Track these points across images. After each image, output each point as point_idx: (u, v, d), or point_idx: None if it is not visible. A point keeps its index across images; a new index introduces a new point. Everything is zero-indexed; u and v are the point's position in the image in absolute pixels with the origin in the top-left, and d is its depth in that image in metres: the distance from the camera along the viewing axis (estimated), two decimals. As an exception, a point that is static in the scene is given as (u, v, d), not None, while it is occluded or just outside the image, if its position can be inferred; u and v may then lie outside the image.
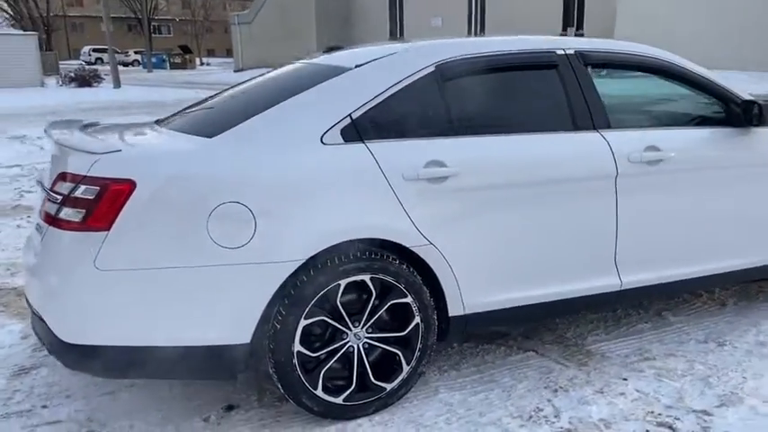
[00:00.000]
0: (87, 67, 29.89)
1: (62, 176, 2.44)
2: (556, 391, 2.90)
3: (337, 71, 2.86)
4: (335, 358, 2.64)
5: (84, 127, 2.99)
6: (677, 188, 3.18)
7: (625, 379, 2.99)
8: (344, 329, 2.64)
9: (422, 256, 2.68)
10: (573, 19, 21.92)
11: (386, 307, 2.69)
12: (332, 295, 2.57)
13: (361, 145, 2.63)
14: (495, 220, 2.82)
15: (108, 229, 2.31)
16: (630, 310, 3.73)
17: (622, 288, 3.14)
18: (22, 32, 24.55)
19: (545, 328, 3.51)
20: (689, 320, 3.60)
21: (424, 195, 2.67)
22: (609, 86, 3.24)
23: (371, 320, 2.68)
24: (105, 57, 52.42)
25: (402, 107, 2.76)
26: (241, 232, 2.40)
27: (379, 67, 2.83)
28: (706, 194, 3.26)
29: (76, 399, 2.88)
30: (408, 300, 2.70)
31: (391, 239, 2.63)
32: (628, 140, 3.06)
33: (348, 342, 2.66)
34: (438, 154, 2.70)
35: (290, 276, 2.47)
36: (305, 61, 3.40)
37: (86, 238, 2.33)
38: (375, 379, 2.70)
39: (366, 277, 2.61)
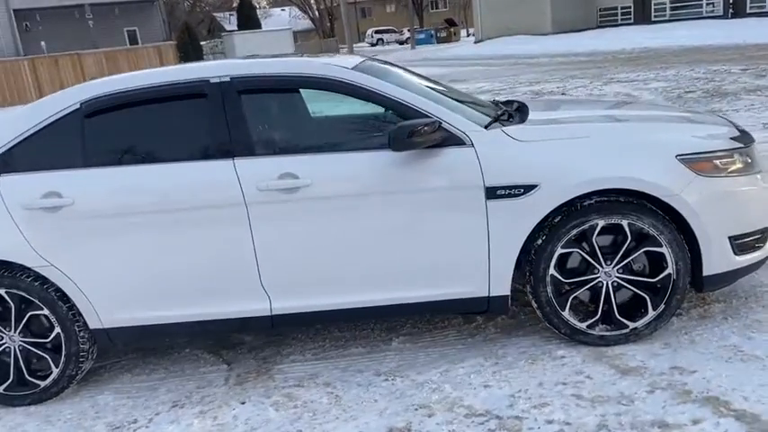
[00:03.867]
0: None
1: None
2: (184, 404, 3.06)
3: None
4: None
5: None
6: (321, 215, 2.98)
7: (243, 403, 3.00)
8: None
9: (44, 274, 3.08)
10: None
11: (25, 318, 3.15)
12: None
13: (8, 176, 3.10)
14: (124, 244, 3.06)
15: None
16: (381, 331, 3.53)
17: (274, 312, 3.10)
18: (278, 29, 28.09)
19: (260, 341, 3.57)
20: (412, 349, 3.30)
21: (43, 222, 3.05)
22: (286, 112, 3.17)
23: (20, 327, 3.17)
24: (386, 37, 56.73)
25: (43, 143, 3.15)
26: None
27: (30, 108, 3.24)
28: (355, 222, 2.98)
29: None
30: (46, 312, 3.13)
31: (12, 260, 3.08)
32: (260, 169, 2.98)
33: (5, 343, 3.20)
34: (56, 185, 3.05)
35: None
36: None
37: None
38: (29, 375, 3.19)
39: (2, 291, 3.11)
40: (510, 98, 4.33)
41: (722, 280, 3.10)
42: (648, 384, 2.74)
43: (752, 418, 2.45)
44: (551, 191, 2.92)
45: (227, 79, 3.10)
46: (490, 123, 3.14)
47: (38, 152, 3.14)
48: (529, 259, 3.02)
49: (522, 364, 3.02)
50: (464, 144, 2.97)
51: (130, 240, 3.06)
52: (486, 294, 3.06)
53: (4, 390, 3.22)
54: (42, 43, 25.10)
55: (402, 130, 2.83)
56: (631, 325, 3.04)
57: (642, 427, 2.47)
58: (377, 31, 56.56)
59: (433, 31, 49.57)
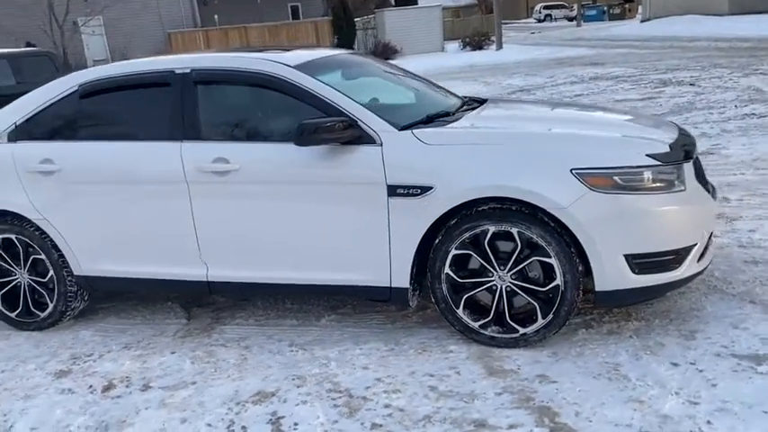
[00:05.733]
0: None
1: None
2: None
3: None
4: None
5: None
6: (246, 197, 3.35)
7: (173, 353, 3.48)
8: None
9: (41, 226, 3.77)
10: None
11: (30, 260, 3.88)
12: None
13: (17, 144, 3.83)
14: (96, 207, 3.66)
15: None
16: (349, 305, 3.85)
17: (210, 279, 3.55)
18: (428, 6, 28.24)
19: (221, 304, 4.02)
20: (334, 327, 3.60)
21: (40, 184, 3.73)
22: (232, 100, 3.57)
23: (27, 267, 3.91)
24: (554, 13, 54.56)
25: (48, 117, 3.81)
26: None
27: (45, 87, 3.90)
28: (274, 206, 3.32)
29: None
30: (43, 257, 3.83)
31: (20, 213, 3.79)
32: (200, 152, 3.41)
33: (17, 278, 3.96)
34: (50, 154, 3.70)
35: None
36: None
37: None
38: (33, 307, 3.93)
39: (12, 236, 3.85)
40: (480, 97, 4.37)
41: (621, 297, 3.04)
42: (503, 387, 2.83)
43: (565, 430, 2.49)
44: (445, 194, 3.05)
45: (188, 71, 3.55)
46: (415, 124, 3.30)
47: (43, 124, 3.82)
48: (428, 257, 3.19)
49: (411, 354, 3.21)
50: (375, 143, 3.18)
51: (100, 204, 3.65)
52: (388, 285, 3.26)
53: (15, 316, 3.99)
54: (216, 16, 27.48)
55: (306, 126, 3.10)
56: (521, 330, 3.11)
57: (461, 423, 2.61)
58: (545, 7, 54.62)
59: (605, 8, 46.99)
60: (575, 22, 45.99)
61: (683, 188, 3.03)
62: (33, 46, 24.70)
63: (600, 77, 14.00)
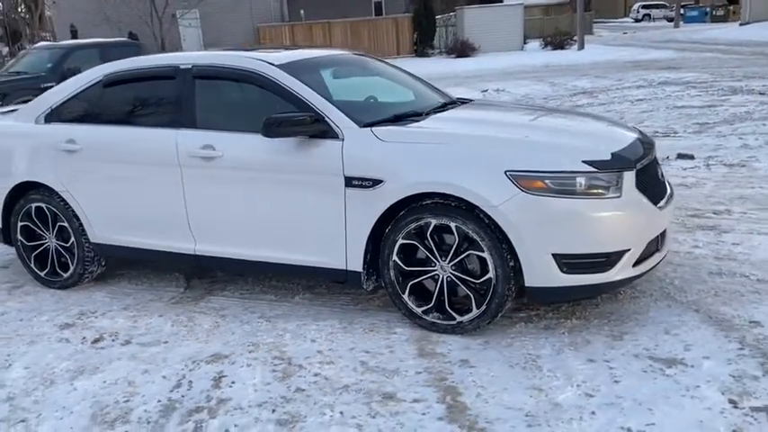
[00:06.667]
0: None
1: None
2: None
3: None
4: None
5: None
6: (227, 181, 3.74)
7: (161, 316, 3.92)
8: None
9: (64, 197, 4.31)
10: None
11: (56, 227, 4.44)
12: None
13: (49, 125, 4.40)
14: (107, 183, 4.16)
15: None
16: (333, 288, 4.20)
17: (197, 253, 3.97)
18: (510, 4, 27.96)
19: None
20: (305, 304, 3.93)
21: (64, 160, 4.27)
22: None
23: (54, 232, 4.48)
24: (654, 13, 52.51)
25: (77, 102, 4.35)
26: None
27: (79, 76, 4.44)
28: (249, 191, 3.69)
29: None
30: (66, 224, 4.39)
31: (49, 185, 4.35)
32: (192, 139, 3.83)
33: (47, 242, 4.54)
34: (73, 135, 4.24)
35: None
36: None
37: None
38: (59, 268, 4.51)
39: (43, 205, 4.43)
40: (467, 97, 4.60)
41: (551, 294, 3.22)
42: (425, 368, 3.09)
43: (461, 408, 2.72)
44: (393, 187, 3.32)
45: (189, 66, 3.98)
46: (378, 122, 3.58)
47: (72, 109, 4.36)
48: (380, 245, 3.47)
49: (359, 332, 3.51)
50: (338, 138, 3.49)
51: (110, 181, 4.14)
52: (345, 268, 3.57)
53: (44, 274, 4.57)
54: (302, 11, 28.35)
55: (271, 120, 3.44)
56: (458, 318, 3.34)
57: (372, 394, 2.89)
58: (644, 6, 52.67)
59: (708, 9, 44.84)
60: (671, 23, 44.20)
61: (618, 195, 3.16)
62: (135, 37, 26.46)
63: (669, 82, 13.64)
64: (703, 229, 4.68)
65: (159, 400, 2.97)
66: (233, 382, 3.08)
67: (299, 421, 2.73)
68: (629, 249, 3.19)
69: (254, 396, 2.94)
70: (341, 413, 2.76)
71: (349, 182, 3.43)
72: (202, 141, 3.79)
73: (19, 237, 4.55)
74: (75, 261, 4.43)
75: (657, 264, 3.46)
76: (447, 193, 3.22)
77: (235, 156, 3.72)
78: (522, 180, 3.11)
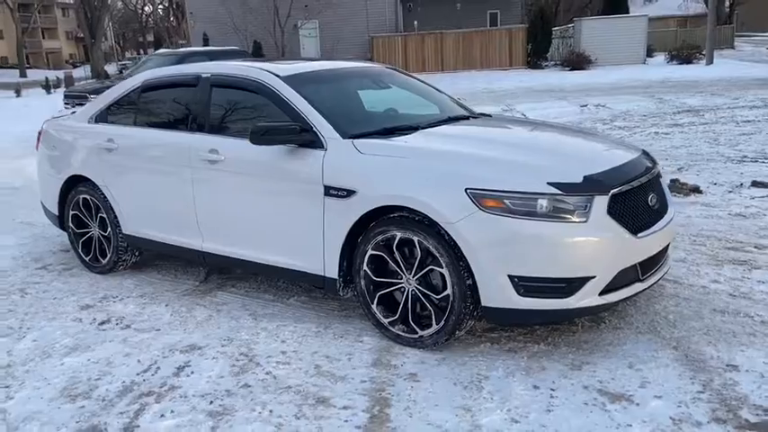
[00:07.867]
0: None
1: None
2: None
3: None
4: None
5: None
6: (227, 184, 3.96)
7: (167, 305, 4.22)
8: None
9: (103, 191, 4.75)
10: None
11: (98, 218, 4.90)
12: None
13: (97, 125, 4.86)
14: (135, 180, 4.54)
15: None
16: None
17: (204, 250, 4.24)
18: (633, 15, 26.64)
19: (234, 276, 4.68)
20: (295, 306, 4.07)
21: (104, 157, 4.70)
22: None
23: (96, 223, 4.94)
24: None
25: (119, 106, 4.78)
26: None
27: (123, 82, 4.86)
28: (245, 194, 3.88)
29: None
30: (104, 215, 4.83)
31: (91, 179, 4.81)
32: (202, 143, 4.10)
33: (91, 231, 5.01)
34: (113, 134, 4.66)
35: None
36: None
37: None
38: (99, 254, 4.97)
39: (88, 197, 4.90)
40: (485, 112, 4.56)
41: (506, 316, 3.15)
42: (371, 377, 3.13)
43: (383, 419, 2.75)
44: (363, 198, 3.40)
45: (209, 75, 4.26)
46: (364, 134, 3.66)
47: (115, 111, 4.79)
48: (353, 254, 3.55)
49: (329, 337, 3.60)
50: (322, 148, 3.61)
51: (138, 178, 4.51)
52: (323, 274, 3.68)
53: (88, 260, 5.04)
54: (415, 22, 28.74)
55: (257, 128, 3.61)
56: (419, 333, 3.35)
57: (308, 397, 2.98)
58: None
59: None
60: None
61: (584, 220, 3.05)
62: (259, 46, 27.93)
63: (744, 103, 12.56)
64: (734, 263, 4.34)
65: (123, 382, 3.23)
66: (192, 372, 3.28)
67: (228, 414, 2.87)
68: (593, 277, 3.06)
69: (202, 386, 3.12)
70: (270, 411, 2.88)
71: (327, 191, 3.54)
72: (210, 145, 4.05)
73: (70, 224, 5.05)
74: (111, 249, 4.85)
75: (636, 294, 3.29)
76: (409, 206, 3.25)
77: (233, 160, 3.95)
78: (482, 198, 3.08)
